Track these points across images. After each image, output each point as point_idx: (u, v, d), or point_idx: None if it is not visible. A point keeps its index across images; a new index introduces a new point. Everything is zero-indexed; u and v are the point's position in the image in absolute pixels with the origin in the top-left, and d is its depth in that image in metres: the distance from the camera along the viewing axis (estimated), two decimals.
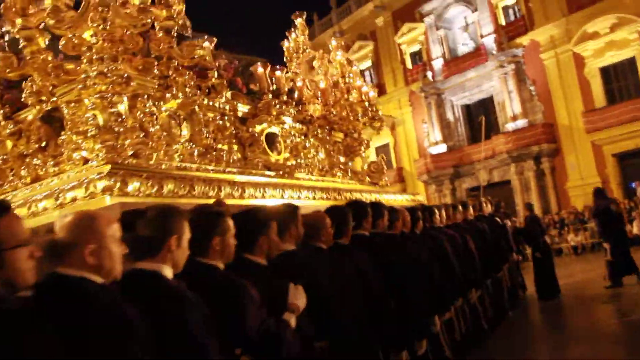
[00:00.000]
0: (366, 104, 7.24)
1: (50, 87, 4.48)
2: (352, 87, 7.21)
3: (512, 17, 26.46)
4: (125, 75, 4.03)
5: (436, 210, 6.80)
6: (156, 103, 4.57)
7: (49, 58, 4.40)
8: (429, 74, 28.79)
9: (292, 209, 3.83)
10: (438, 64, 28.74)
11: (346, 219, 4.47)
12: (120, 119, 3.84)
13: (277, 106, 5.66)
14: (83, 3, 4.02)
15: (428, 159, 28.62)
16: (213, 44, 5.42)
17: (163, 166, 4.11)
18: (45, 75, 4.40)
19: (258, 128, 5.53)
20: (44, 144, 4.68)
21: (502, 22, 26.45)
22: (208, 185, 4.18)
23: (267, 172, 5.28)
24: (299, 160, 6.06)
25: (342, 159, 7.03)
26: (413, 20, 29.82)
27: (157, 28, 4.43)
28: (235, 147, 5.33)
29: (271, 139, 5.67)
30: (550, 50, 24.34)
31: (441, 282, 5.46)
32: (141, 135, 4.26)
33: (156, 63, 4.52)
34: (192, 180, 3.94)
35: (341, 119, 7.05)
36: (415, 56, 30.55)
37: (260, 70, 5.73)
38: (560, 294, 10.51)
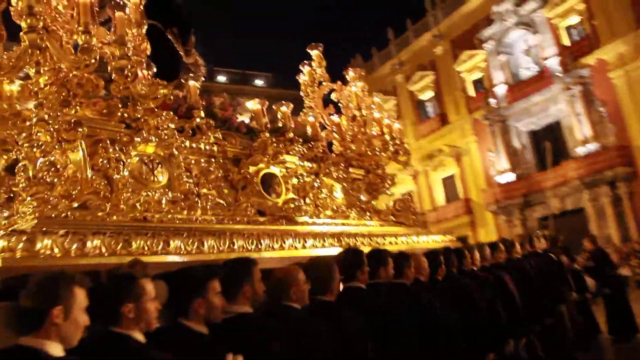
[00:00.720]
0: (387, 137, 6.57)
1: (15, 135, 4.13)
2: (370, 119, 6.57)
3: (575, 37, 25.06)
4: (73, 121, 3.60)
5: (467, 252, 5.97)
6: (124, 148, 4.12)
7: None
8: (492, 100, 27.56)
9: (243, 264, 3.24)
10: (501, 90, 27.52)
11: (329, 271, 3.81)
12: (54, 169, 3.38)
13: (275, 144, 5.10)
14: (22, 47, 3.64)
15: (496, 189, 27.26)
16: (199, 82, 4.94)
17: (114, 217, 3.60)
18: (4, 123, 4.05)
19: (252, 169, 4.98)
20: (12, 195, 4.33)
21: (566, 42, 25.07)
22: (175, 235, 3.65)
23: (259, 218, 4.68)
24: (306, 202, 5.45)
25: (363, 198, 6.36)
26: (472, 47, 28.88)
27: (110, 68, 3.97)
28: (226, 191, 4.79)
29: (269, 180, 5.10)
30: (619, 69, 22.71)
31: (459, 337, 4.63)
32: (103, 184, 3.83)
33: (120, 106, 4.09)
34: (142, 232, 3.42)
35: (360, 154, 6.41)
36: (477, 83, 29.49)
37: (256, 107, 5.21)
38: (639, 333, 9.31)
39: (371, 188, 6.53)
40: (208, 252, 3.80)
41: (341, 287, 4.07)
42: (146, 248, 3.46)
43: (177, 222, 3.97)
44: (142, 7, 4.48)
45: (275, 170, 5.23)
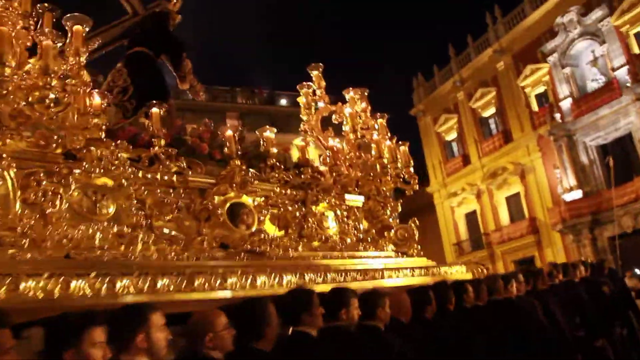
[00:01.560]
0: (385, 160, 6.01)
1: None
2: (368, 142, 6.05)
3: None
4: None
5: (470, 287, 5.31)
6: (63, 180, 3.83)
7: None
8: (557, 115, 26.03)
9: (136, 310, 2.86)
10: (566, 103, 25.96)
11: (262, 314, 3.34)
12: None
13: (244, 173, 4.70)
14: None
15: (562, 207, 25.59)
16: (163, 110, 4.62)
17: (29, 255, 3.29)
18: None
19: (217, 199, 4.59)
20: None
21: (636, 50, 23.37)
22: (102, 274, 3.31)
23: (218, 252, 4.26)
24: (288, 233, 5.01)
25: (361, 227, 5.83)
26: (535, 61, 27.52)
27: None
28: (187, 223, 4.43)
29: (237, 210, 4.69)
30: None
31: None
32: (35, 218, 3.56)
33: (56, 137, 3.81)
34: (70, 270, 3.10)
35: (359, 179, 5.90)
36: (541, 98, 27.99)
37: (228, 133, 4.84)
38: None
39: (371, 216, 5.99)
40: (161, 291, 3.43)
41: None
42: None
43: (106, 257, 3.61)
44: (84, 34, 4.20)
45: (247, 199, 4.82)
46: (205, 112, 32.05)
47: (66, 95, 3.72)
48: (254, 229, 4.68)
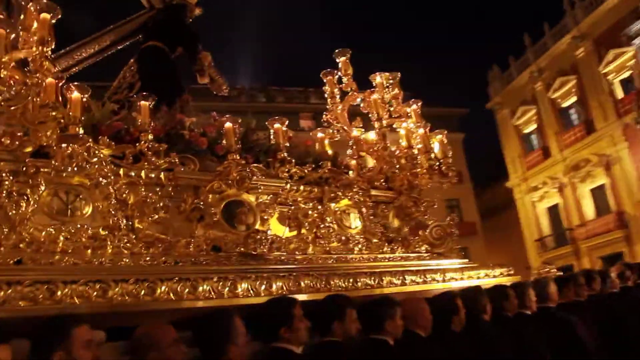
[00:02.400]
0: (415, 150, 5.25)
1: None
2: (398, 131, 5.32)
3: None
4: None
5: (511, 292, 4.47)
6: (30, 180, 3.43)
7: None
8: None
9: (55, 324, 2.37)
10: None
11: (227, 329, 2.77)
12: None
13: (242, 168, 4.12)
14: None
15: None
16: (151, 104, 4.15)
17: None
18: None
19: (212, 197, 4.04)
20: None
21: None
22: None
23: (202, 257, 3.69)
24: (301, 233, 4.40)
25: (394, 225, 5.12)
26: (619, 45, 25.28)
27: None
28: (177, 224, 3.92)
29: (234, 209, 4.12)
30: None
31: None
32: None
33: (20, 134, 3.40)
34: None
35: (385, 173, 5.20)
36: (626, 84, 25.69)
37: (226, 125, 4.28)
38: None
39: (403, 213, 5.25)
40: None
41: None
42: None
43: (65, 262, 3.14)
44: (53, 22, 3.77)
45: (249, 197, 4.24)
46: (278, 114, 32.01)
47: (23, 88, 3.29)
48: (256, 229, 4.10)
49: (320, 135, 5.06)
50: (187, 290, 3.06)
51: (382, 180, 5.23)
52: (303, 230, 4.46)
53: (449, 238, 5.25)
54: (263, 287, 3.43)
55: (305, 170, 4.72)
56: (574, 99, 28.31)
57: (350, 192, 4.87)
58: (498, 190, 34.50)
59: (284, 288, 3.54)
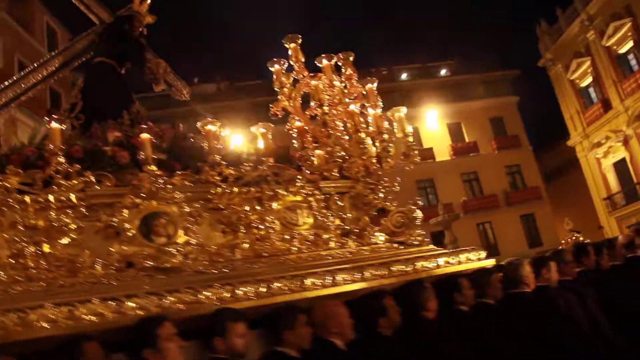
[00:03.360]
0: (362, 134, 4.86)
1: None
2: (342, 115, 4.96)
3: None
4: None
5: (465, 282, 4.08)
6: None
7: None
8: None
9: None
10: None
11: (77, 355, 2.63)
12: None
13: (155, 179, 3.95)
14: None
15: None
16: (65, 126, 4.05)
17: None
18: None
19: (126, 212, 3.90)
20: None
21: None
22: None
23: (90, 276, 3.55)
24: (238, 237, 4.20)
25: (351, 216, 4.80)
26: None
27: None
28: (93, 243, 3.81)
29: (151, 222, 3.96)
30: None
31: None
32: None
33: None
34: None
35: (334, 162, 4.87)
36: None
37: (143, 136, 4.12)
38: None
39: (361, 202, 4.93)
40: None
41: None
42: None
43: None
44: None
45: (171, 208, 4.07)
46: None
47: None
48: (171, 241, 3.93)
49: (262, 130, 4.80)
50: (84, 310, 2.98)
51: (336, 170, 4.91)
52: (240, 235, 4.25)
53: (412, 224, 4.87)
54: (167, 302, 3.28)
55: (243, 170, 4.49)
56: (630, 43, 26.33)
57: (293, 187, 4.61)
58: (560, 151, 32.83)
59: (210, 298, 3.39)
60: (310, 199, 4.74)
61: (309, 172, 4.82)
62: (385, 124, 5.19)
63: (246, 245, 4.25)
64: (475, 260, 4.71)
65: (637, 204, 26.78)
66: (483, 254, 4.78)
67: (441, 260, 4.47)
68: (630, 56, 26.76)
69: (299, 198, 4.72)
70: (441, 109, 32.05)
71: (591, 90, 29.32)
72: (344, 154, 4.87)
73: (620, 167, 28.11)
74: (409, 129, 5.20)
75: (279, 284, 3.62)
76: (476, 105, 33.06)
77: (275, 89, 5.40)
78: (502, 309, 4.26)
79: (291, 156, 5.06)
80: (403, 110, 5.18)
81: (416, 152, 5.11)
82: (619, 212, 28.06)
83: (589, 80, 29.09)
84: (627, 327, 4.69)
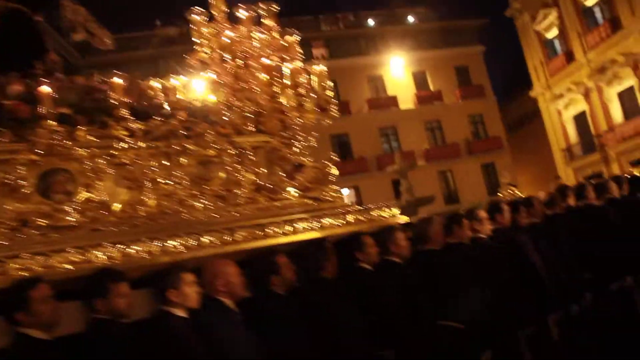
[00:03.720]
0: (276, 88, 4.78)
1: None
2: (259, 67, 4.86)
3: None
4: None
5: (369, 240, 4.14)
6: None
7: None
8: None
9: None
10: None
11: None
12: None
13: (52, 134, 3.85)
14: None
15: None
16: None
17: None
18: None
19: (22, 169, 3.82)
20: None
21: None
22: None
23: None
24: (140, 196, 4.15)
25: (264, 172, 4.78)
26: None
27: None
28: None
29: (51, 179, 3.89)
30: None
31: None
32: None
33: None
34: None
35: (244, 115, 4.80)
36: None
37: (43, 89, 3.97)
38: None
39: (276, 157, 4.91)
40: None
41: None
42: None
43: None
44: None
45: (72, 164, 3.99)
46: None
47: None
48: (78, 198, 3.87)
49: (173, 82, 4.69)
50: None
51: (251, 125, 4.85)
52: (145, 191, 4.20)
53: (326, 180, 4.88)
54: (54, 261, 3.26)
55: (152, 125, 4.40)
56: None
57: (203, 142, 4.55)
58: (523, 102, 33.09)
59: (99, 258, 3.36)
60: (223, 154, 4.70)
61: (222, 126, 4.75)
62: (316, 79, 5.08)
63: (152, 202, 4.22)
64: (388, 217, 4.76)
65: (593, 155, 27.39)
66: (396, 210, 4.83)
67: (351, 217, 4.51)
68: (597, 9, 26.74)
69: (210, 153, 4.67)
70: (407, 57, 31.78)
71: (556, 41, 29.35)
72: (258, 108, 4.80)
73: (579, 119, 28.56)
74: (330, 83, 5.13)
75: (174, 243, 3.62)
76: (442, 53, 32.87)
77: (194, 39, 5.24)
78: (406, 267, 4.35)
79: (205, 110, 4.96)
80: (322, 65, 5.09)
81: (334, 107, 5.06)
82: (576, 163, 28.70)
83: (555, 32, 29.06)
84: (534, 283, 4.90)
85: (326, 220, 4.34)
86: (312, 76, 5.03)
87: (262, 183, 4.79)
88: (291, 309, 3.59)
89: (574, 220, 5.87)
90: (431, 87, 32.78)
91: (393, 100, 31.55)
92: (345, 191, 30.10)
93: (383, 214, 4.80)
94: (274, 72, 4.82)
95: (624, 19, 24.91)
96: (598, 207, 6.22)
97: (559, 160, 29.94)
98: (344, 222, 4.44)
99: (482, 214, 5.01)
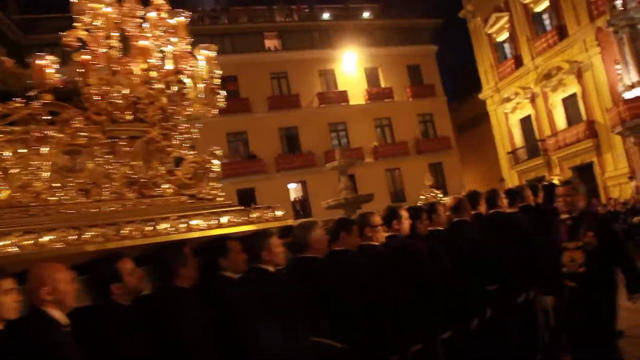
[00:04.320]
0: (154, 72, 4.33)
1: None
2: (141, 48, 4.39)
3: None
4: None
5: (235, 245, 3.73)
6: None
7: None
8: (619, 2, 22.15)
9: None
10: None
11: None
12: None
13: None
14: None
15: (622, 107, 22.22)
16: None
17: None
18: None
19: None
20: None
21: None
22: None
23: None
24: None
25: (140, 165, 4.32)
26: None
27: None
28: None
29: None
30: None
31: None
32: None
33: None
34: None
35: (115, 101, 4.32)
36: None
37: None
38: None
39: (155, 149, 4.44)
40: None
41: None
42: None
43: None
44: None
45: None
46: (242, 35, 30.50)
47: None
48: None
49: (40, 62, 4.17)
50: None
51: (129, 113, 4.37)
52: None
53: (205, 176, 4.45)
54: None
55: (10, 107, 3.88)
56: (546, 3, 26.60)
57: (69, 129, 4.05)
58: (473, 104, 33.36)
59: None
60: (92, 143, 4.21)
61: (94, 113, 4.25)
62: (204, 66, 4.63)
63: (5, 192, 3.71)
64: (270, 219, 4.36)
65: (537, 159, 27.81)
66: (279, 212, 4.42)
67: (225, 218, 4.09)
68: (545, 16, 27.08)
69: (79, 142, 4.18)
70: (360, 53, 31.48)
71: (506, 45, 29.65)
72: (136, 94, 4.31)
73: (525, 123, 28.94)
74: (218, 71, 4.69)
75: (6, 242, 3.13)
76: (395, 51, 32.72)
77: (73, 16, 4.70)
78: (280, 276, 3.97)
79: (80, 94, 4.45)
80: (211, 49, 4.62)
81: (221, 97, 4.61)
82: (521, 166, 29.09)
83: (505, 35, 29.36)
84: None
85: (195, 222, 3.91)
86: (200, 63, 4.57)
87: (136, 177, 4.32)
88: (133, 322, 3.16)
89: (481, 228, 5.62)
90: (382, 84, 32.61)
91: (344, 96, 31.26)
92: (292, 185, 29.75)
93: (264, 216, 4.39)
94: (154, 55, 4.35)
95: (570, 27, 25.31)
96: (508, 214, 6.00)
97: (504, 163, 30.31)
98: (217, 224, 4.01)
99: (376, 219, 4.66)
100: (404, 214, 4.97)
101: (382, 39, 32.70)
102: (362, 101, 31.83)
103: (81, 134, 4.18)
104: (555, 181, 8.95)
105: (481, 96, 31.15)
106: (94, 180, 4.18)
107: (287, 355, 3.48)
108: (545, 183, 7.47)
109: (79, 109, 4.29)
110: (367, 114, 31.47)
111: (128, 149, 4.40)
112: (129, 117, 4.44)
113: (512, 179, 29.33)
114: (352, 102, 31.42)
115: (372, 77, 32.44)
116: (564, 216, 5.09)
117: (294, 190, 30.32)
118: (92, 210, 3.94)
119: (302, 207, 29.50)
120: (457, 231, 5.48)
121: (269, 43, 31.65)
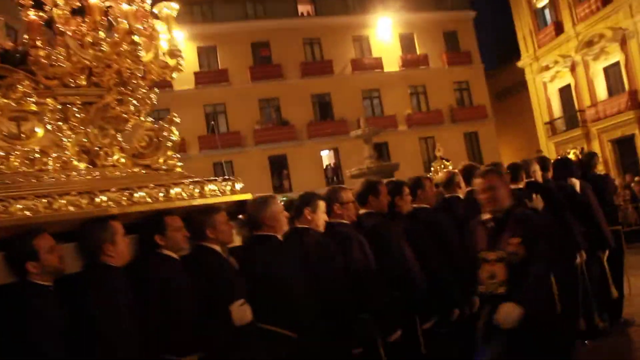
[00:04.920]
0: (102, 33, 3.96)
1: None
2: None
3: None
4: None
5: (170, 222, 3.39)
6: None
7: None
8: None
9: None
10: None
11: None
12: None
13: None
14: None
15: None
16: None
17: None
18: None
19: None
20: None
21: None
22: None
23: None
24: None
25: (94, 133, 4.01)
26: None
27: None
28: None
29: None
30: None
31: None
32: None
33: None
34: None
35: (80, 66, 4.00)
36: None
37: None
38: None
39: (109, 116, 4.12)
40: None
41: None
42: None
43: None
44: None
45: None
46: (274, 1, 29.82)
47: None
48: None
49: None
50: None
51: (83, 77, 4.05)
52: None
53: (162, 146, 4.11)
54: None
55: None
56: None
57: (15, 93, 3.77)
58: (511, 72, 31.92)
59: None
60: (42, 108, 3.92)
61: (47, 77, 3.95)
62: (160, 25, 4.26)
63: None
64: (227, 193, 4.00)
65: (575, 130, 26.56)
66: (238, 185, 4.06)
67: (174, 192, 3.75)
68: None
69: (29, 108, 3.89)
70: (395, 18, 30.42)
71: (547, 11, 28.09)
72: (87, 57, 3.98)
73: (564, 93, 27.60)
74: (179, 31, 4.30)
75: None
76: (431, 17, 31.48)
77: None
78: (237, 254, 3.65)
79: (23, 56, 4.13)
80: (174, 6, 4.19)
81: (181, 60, 4.23)
82: (558, 138, 27.87)
83: (545, 0, 27.77)
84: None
85: (139, 194, 3.60)
86: (156, 22, 4.20)
87: (88, 145, 4.03)
88: (50, 304, 2.89)
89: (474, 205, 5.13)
90: (418, 51, 31.54)
91: (378, 62, 30.39)
92: (324, 152, 29.37)
93: (220, 188, 4.02)
94: (103, 15, 4.00)
95: None
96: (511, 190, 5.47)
97: (541, 133, 29.09)
98: (164, 196, 3.69)
99: (347, 196, 4.25)
100: (383, 189, 4.53)
101: (418, 4, 31.46)
102: (396, 68, 30.91)
103: (29, 99, 3.88)
104: (571, 156, 8.26)
105: (519, 64, 29.77)
106: (42, 148, 3.89)
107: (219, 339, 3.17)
108: (558, 158, 6.84)
109: (27, 73, 3.99)
110: (401, 81, 30.58)
111: (81, 115, 4.08)
112: (83, 82, 4.12)
113: (549, 151, 28.13)
114: (386, 69, 30.55)
115: (407, 43, 31.39)
116: (486, 217, 3.75)
117: (326, 156, 29.93)
118: (32, 181, 3.66)
119: (334, 174, 29.16)
120: (447, 209, 5.04)
121: (302, 8, 30.90)
